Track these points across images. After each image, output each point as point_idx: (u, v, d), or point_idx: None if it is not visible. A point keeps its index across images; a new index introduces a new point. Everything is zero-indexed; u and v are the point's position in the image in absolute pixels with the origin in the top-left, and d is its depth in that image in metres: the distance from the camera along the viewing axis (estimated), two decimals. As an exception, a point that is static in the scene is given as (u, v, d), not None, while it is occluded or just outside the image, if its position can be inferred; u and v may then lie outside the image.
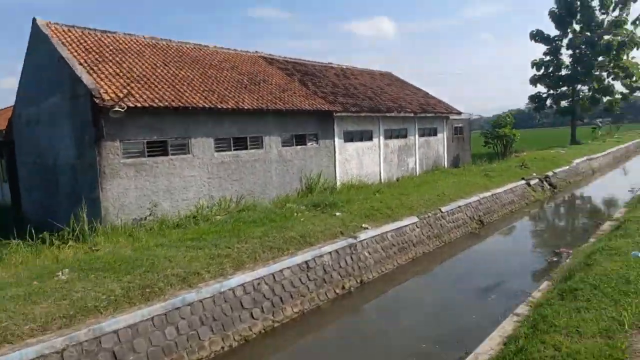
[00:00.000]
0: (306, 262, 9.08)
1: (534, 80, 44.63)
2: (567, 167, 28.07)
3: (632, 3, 39.92)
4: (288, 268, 8.58)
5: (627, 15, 40.49)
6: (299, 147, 18.37)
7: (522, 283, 9.91)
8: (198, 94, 14.59)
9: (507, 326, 5.14)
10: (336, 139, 20.25)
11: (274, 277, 8.17)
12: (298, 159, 18.27)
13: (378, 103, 23.76)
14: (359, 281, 10.26)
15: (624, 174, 32.96)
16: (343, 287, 9.73)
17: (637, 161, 41.87)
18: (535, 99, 45.27)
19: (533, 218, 18.54)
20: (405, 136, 25.35)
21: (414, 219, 13.33)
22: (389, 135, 24.04)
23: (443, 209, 14.81)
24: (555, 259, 11.71)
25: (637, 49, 41.00)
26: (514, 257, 12.50)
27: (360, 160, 21.78)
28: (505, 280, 10.41)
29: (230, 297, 7.35)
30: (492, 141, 32.17)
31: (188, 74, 16.05)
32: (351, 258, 10.46)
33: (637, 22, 40.50)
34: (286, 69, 22.58)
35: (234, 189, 15.33)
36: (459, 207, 15.68)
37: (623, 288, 5.23)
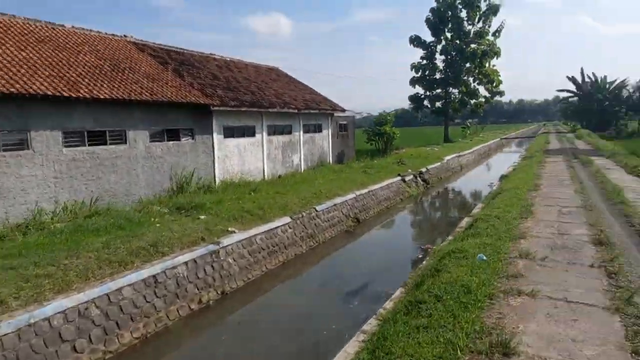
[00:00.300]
0: (154, 276, 7.89)
1: (413, 82, 47.19)
2: (439, 163, 29.94)
3: (492, 16, 44.02)
4: (129, 285, 7.33)
5: (488, 27, 44.60)
6: (171, 142, 16.79)
7: (387, 283, 9.74)
8: (40, 80, 12.39)
9: (350, 349, 4.67)
10: (215, 135, 18.98)
11: (108, 298, 6.89)
12: (170, 156, 16.70)
13: (261, 98, 22.88)
14: (220, 292, 9.32)
15: (487, 169, 36.22)
16: (200, 301, 8.71)
17: (497, 158, 46.48)
18: (414, 99, 47.98)
19: (406, 214, 19.17)
20: (290, 132, 24.83)
21: (287, 220, 12.75)
22: (273, 131, 23.32)
23: (318, 207, 14.49)
24: (420, 256, 11.93)
25: (497, 58, 45.49)
26: (384, 255, 12.54)
27: (242, 157, 20.73)
28: (372, 281, 10.27)
29: (45, 329, 5.97)
30: (374, 138, 33.19)
31: (31, 55, 13.64)
32: (212, 267, 9.49)
33: (497, 34, 44.88)
34: (159, 56, 20.65)
35: (89, 190, 13.36)
36: (335, 205, 15.52)
37: (464, 299, 5.07)
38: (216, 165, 19.04)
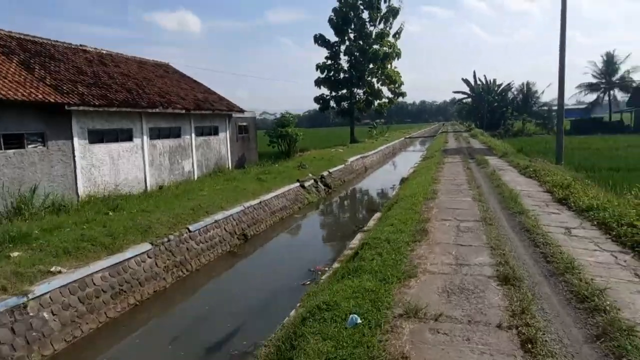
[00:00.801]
0: None
1: (318, 83, 45.91)
2: (343, 165, 28.68)
3: (392, 19, 44.16)
4: None
5: (389, 29, 44.71)
6: (11, 151, 13.24)
7: (258, 332, 7.53)
8: None
9: None
10: (77, 140, 15.59)
11: None
12: (10, 169, 13.13)
13: (139, 96, 19.64)
14: (17, 368, 6.58)
15: (391, 170, 35.82)
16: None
17: (401, 157, 46.85)
18: (320, 100, 46.74)
19: (302, 225, 17.24)
20: (178, 135, 21.84)
21: (146, 247, 10.09)
22: (157, 134, 20.19)
23: (192, 227, 11.95)
24: (308, 282, 9.98)
25: (398, 59, 45.83)
26: (265, 286, 10.32)
27: (115, 165, 17.43)
28: (243, 327, 8.08)
29: None
30: (276, 141, 31.17)
31: None
32: (13, 330, 6.73)
33: (397, 36, 45.16)
34: (4, 46, 16.73)
35: None
36: (216, 222, 13.11)
37: None
38: (79, 176, 15.65)
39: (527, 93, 61.58)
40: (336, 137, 57.80)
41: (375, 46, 43.99)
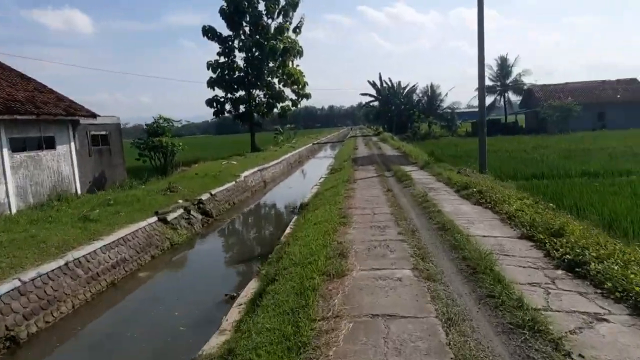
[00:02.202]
0: None
1: (210, 83, 39.06)
2: (233, 182, 22.47)
3: (292, 11, 38.81)
4: None
5: (289, 23, 39.31)
6: None
7: None
8: None
9: None
10: None
11: None
12: None
13: None
14: None
15: (296, 184, 30.21)
16: None
17: (309, 166, 41.63)
18: (212, 103, 39.85)
19: (146, 290, 10.74)
20: (-24, 152, 14.32)
21: None
22: None
23: None
24: None
25: (300, 57, 40.67)
26: None
27: None
28: None
29: None
30: (148, 153, 24.09)
31: None
32: None
33: (297, 31, 39.90)
34: None
35: None
36: None
37: None
38: None
39: (432, 95, 60.12)
40: (238, 145, 51.25)
41: (273, 42, 38.30)
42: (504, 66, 60.52)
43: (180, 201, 16.75)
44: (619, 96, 54.29)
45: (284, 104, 43.27)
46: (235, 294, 8.89)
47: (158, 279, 11.67)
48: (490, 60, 62.24)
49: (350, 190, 13.59)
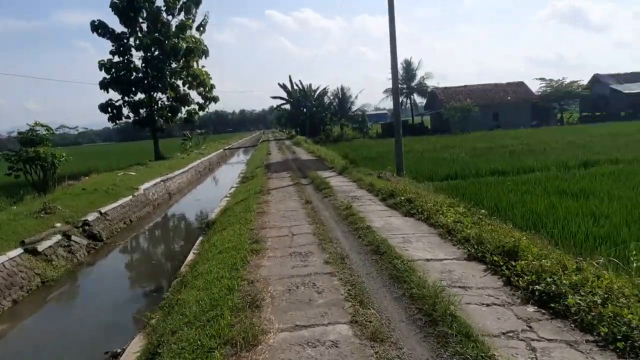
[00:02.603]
0: None
1: (104, 85, 34.58)
2: (130, 197, 19.39)
3: (195, 8, 35.84)
4: None
5: (192, 20, 36.29)
6: None
7: None
8: None
9: None
10: None
11: None
12: None
13: None
14: None
15: (205, 195, 27.54)
16: None
17: (220, 174, 38.90)
18: (106, 107, 35.39)
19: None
20: None
21: None
22: None
23: None
24: None
25: (206, 58, 37.78)
26: None
27: None
28: None
29: None
30: (22, 167, 20.03)
31: None
32: None
33: (202, 29, 36.96)
34: None
35: None
36: None
37: None
38: None
39: (343, 98, 60.21)
40: (141, 153, 46.68)
41: (174, 40, 35.05)
42: (409, 69, 62.65)
43: (59, 225, 13.64)
44: (509, 98, 58.75)
45: (190, 108, 40.07)
46: (118, 351, 6.69)
47: (17, 334, 8.84)
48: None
49: (264, 203, 11.73)
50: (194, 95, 39.37)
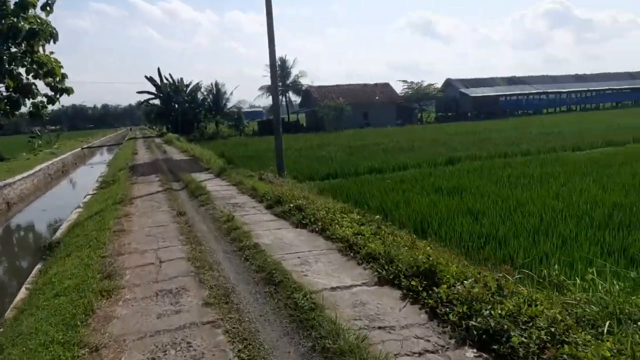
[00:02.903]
0: None
1: None
2: (-57, 212, 14.94)
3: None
4: None
5: (36, -1, 30.27)
6: None
7: None
8: None
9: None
10: None
11: None
12: None
13: None
14: None
15: (62, 199, 23.00)
16: None
17: (78, 176, 33.37)
18: None
19: None
20: None
21: None
22: None
23: None
24: None
25: (55, 42, 31.96)
26: None
27: None
28: None
29: None
30: None
31: None
32: None
33: (48, 9, 31.08)
34: None
35: None
36: None
37: None
38: None
39: (217, 94, 57.09)
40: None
41: (14, 19, 28.88)
42: (284, 67, 62.14)
43: None
44: (377, 98, 62.04)
45: (36, 101, 33.65)
46: None
47: None
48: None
49: (125, 217, 9.40)
50: (41, 86, 33.14)
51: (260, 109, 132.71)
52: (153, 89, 57.94)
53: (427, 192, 13.61)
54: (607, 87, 74.65)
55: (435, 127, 49.01)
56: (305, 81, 63.67)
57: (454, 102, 68.04)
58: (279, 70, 61.56)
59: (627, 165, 14.67)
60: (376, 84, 65.14)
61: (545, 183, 13.03)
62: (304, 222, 7.87)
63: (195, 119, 56.31)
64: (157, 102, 59.68)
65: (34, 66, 31.39)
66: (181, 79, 58.19)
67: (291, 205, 8.76)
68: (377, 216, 8.55)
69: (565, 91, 72.17)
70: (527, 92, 70.66)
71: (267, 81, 66.65)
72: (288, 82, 61.99)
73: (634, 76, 79.22)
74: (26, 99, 33.00)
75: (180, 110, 55.98)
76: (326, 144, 34.04)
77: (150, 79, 57.09)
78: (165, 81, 57.26)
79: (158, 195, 12.11)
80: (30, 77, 32.35)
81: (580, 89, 73.44)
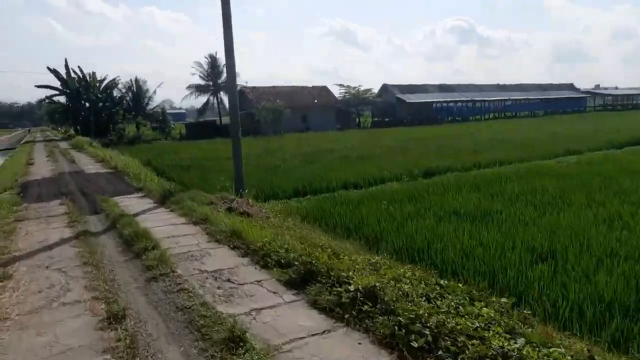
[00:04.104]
0: None
1: None
2: None
3: None
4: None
5: None
6: None
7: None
8: None
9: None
10: None
11: None
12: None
13: None
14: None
15: None
16: None
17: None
18: None
19: None
20: None
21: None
22: None
23: None
24: None
25: None
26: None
27: None
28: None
29: None
30: None
31: None
32: None
33: None
34: None
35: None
36: None
37: None
38: None
39: (138, 92, 49.59)
40: None
41: None
42: (214, 65, 56.18)
43: None
44: (316, 101, 58.46)
45: None
46: None
47: None
48: (201, 59, 57.18)
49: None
50: None
51: (183, 111, 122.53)
52: (58, 84, 48.72)
53: (448, 219, 10.25)
54: (523, 97, 78.62)
55: (377, 132, 46.41)
56: (238, 81, 58.24)
57: (391, 108, 66.82)
58: (209, 68, 55.53)
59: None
60: (314, 87, 61.58)
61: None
62: (411, 342, 3.52)
63: (111, 120, 48.32)
64: (62, 99, 50.43)
65: None
66: (93, 73, 49.66)
67: (350, 289, 4.34)
68: (504, 299, 4.54)
69: (490, 99, 74.47)
70: (458, 99, 71.68)
71: (195, 80, 59.92)
72: (219, 81, 56.04)
73: (544, 87, 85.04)
74: None
75: (93, 110, 47.62)
76: (273, 150, 29.58)
77: (54, 71, 47.81)
78: (73, 76, 48.42)
79: (63, 251, 6.80)
80: None
81: (503, 97, 76.31)
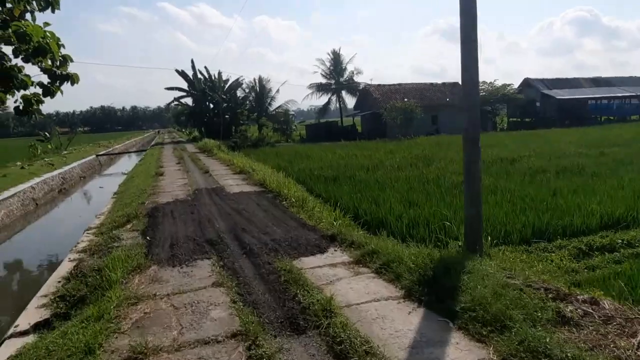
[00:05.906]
0: None
1: None
2: None
3: None
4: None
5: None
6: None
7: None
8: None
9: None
10: None
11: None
12: None
13: None
14: None
15: (43, 240, 12.35)
16: None
17: (79, 203, 23.08)
18: None
19: None
20: None
21: None
22: None
23: None
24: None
25: (53, 10, 21.84)
26: None
27: None
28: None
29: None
30: None
31: None
32: None
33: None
34: None
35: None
36: None
37: None
38: None
39: (261, 91, 46.59)
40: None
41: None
42: (337, 62, 51.19)
43: None
44: (448, 99, 50.48)
45: (27, 93, 23.42)
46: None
47: None
48: (323, 55, 52.74)
49: None
50: (32, 71, 23.10)
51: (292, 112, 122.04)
52: (185, 85, 47.75)
53: None
54: None
55: (532, 135, 36.69)
56: (361, 79, 52.56)
57: (531, 105, 56.00)
58: (331, 65, 50.68)
59: None
60: (444, 84, 53.58)
61: None
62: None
63: (233, 121, 45.95)
64: (189, 100, 49.51)
65: (16, 41, 21.18)
66: (219, 72, 47.78)
67: None
68: None
69: (663, 94, 59.09)
70: (620, 94, 57.93)
71: (317, 78, 55.91)
72: (342, 79, 51.01)
73: None
74: (13, 90, 22.92)
75: (217, 111, 45.61)
76: (430, 157, 22.51)
77: (182, 73, 46.83)
78: (199, 77, 47.03)
79: None
80: (20, 59, 22.29)
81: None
